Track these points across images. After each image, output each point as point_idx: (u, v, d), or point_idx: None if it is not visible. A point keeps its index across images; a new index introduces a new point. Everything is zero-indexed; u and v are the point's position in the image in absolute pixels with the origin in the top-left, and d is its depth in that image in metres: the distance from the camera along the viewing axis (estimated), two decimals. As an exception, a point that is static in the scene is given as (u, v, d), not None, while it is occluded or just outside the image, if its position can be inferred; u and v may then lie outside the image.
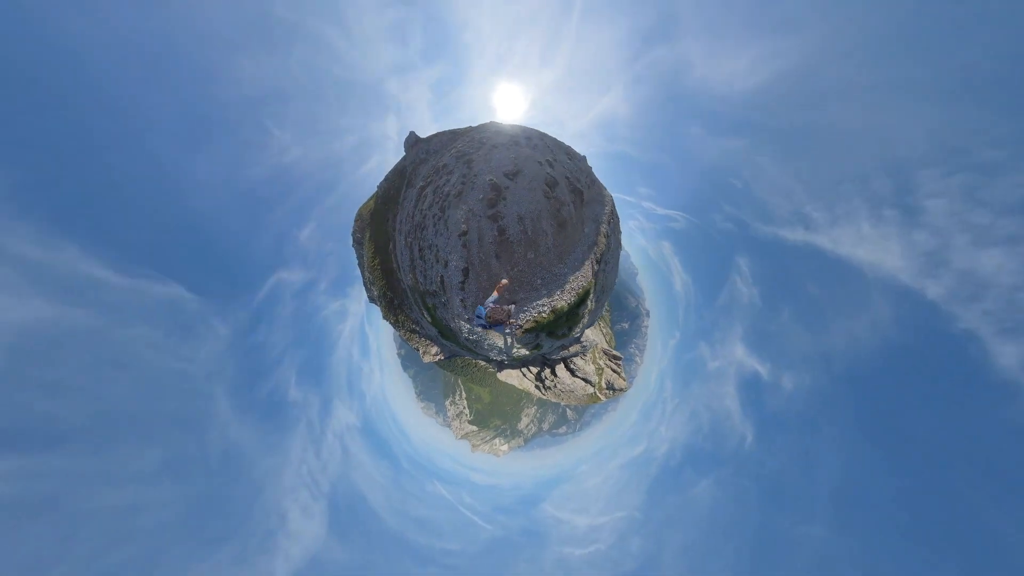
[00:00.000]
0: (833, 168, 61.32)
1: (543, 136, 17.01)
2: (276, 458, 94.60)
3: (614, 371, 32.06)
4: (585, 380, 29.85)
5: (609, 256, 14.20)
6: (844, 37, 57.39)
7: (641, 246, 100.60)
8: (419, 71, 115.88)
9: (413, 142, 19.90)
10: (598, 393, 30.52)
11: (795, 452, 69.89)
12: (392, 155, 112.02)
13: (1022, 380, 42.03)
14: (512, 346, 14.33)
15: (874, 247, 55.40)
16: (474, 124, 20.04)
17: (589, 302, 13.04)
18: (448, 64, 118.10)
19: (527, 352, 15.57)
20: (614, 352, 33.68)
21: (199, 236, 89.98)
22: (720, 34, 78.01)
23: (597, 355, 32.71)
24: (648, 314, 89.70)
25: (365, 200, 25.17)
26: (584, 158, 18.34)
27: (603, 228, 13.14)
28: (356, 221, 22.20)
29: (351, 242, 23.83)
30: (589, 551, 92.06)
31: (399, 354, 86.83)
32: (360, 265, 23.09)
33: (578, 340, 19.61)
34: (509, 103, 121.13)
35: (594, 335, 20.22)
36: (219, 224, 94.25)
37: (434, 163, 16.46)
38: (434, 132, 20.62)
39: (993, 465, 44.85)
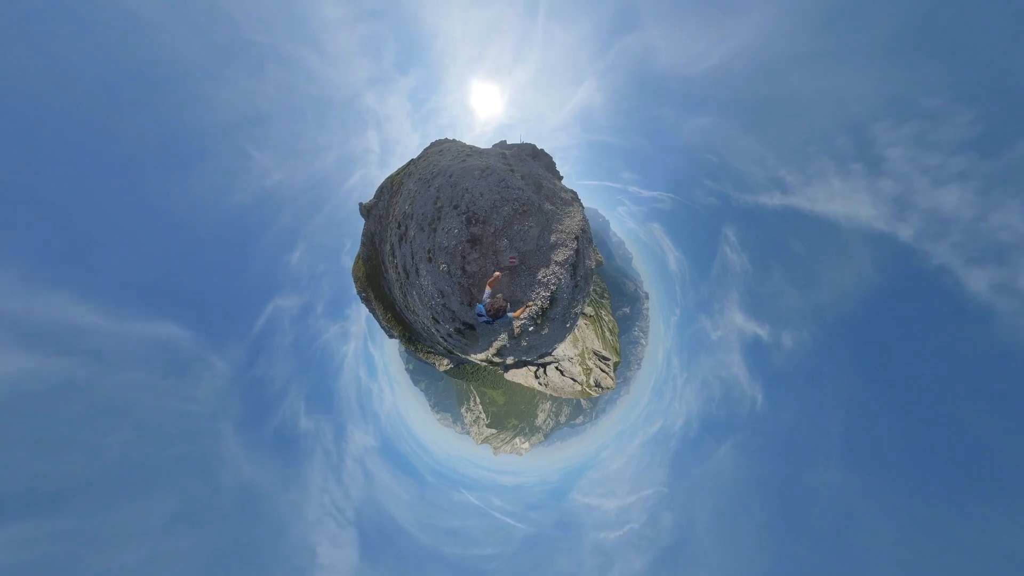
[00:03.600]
0: (798, 132, 63.29)
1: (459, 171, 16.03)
2: (296, 492, 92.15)
3: (602, 371, 34.40)
4: (573, 380, 32.20)
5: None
6: (787, 13, 60.53)
7: (632, 229, 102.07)
8: (395, 82, 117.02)
9: (366, 213, 21.17)
10: (587, 390, 32.83)
11: (804, 405, 71.79)
12: (375, 168, 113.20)
13: (993, 302, 45.15)
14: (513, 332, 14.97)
15: (847, 200, 57.37)
16: (448, 131, 20.35)
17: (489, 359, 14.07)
18: (423, 73, 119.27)
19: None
20: (603, 353, 35.98)
21: (187, 270, 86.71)
22: (677, 20, 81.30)
23: (587, 356, 34.97)
24: (647, 296, 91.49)
25: (356, 241, 26.00)
26: (536, 146, 18.12)
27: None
28: (356, 282, 23.94)
29: (359, 300, 25.91)
30: (623, 532, 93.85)
31: (407, 369, 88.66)
32: (375, 316, 25.27)
33: (548, 353, 21.80)
34: (487, 104, 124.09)
35: (565, 350, 22.23)
36: (206, 255, 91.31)
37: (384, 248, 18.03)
38: (385, 178, 20.60)
39: (977, 382, 47.99)
